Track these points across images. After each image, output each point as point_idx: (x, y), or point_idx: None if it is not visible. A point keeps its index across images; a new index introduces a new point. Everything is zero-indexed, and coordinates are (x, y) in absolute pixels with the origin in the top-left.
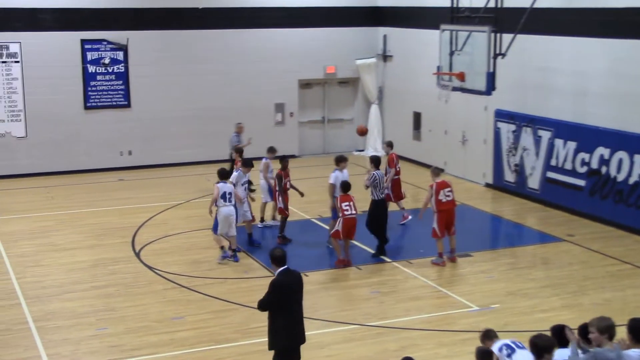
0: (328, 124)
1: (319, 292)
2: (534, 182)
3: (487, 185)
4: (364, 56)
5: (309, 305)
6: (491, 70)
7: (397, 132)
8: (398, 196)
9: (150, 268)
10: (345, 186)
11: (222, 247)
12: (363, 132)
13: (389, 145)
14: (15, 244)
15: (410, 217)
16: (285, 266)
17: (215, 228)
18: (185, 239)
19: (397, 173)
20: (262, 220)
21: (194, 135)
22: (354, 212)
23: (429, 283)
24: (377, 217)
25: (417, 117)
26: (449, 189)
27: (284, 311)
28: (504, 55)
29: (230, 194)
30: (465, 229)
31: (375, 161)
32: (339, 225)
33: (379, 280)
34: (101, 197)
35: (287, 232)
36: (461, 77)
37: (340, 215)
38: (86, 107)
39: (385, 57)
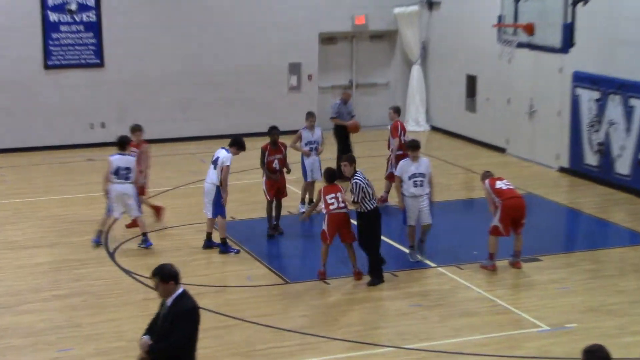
0: (357, 90)
1: (342, 304)
2: (623, 166)
3: (562, 169)
4: (403, 3)
5: (329, 320)
6: (569, 20)
7: (445, 100)
8: (392, 177)
9: (127, 272)
10: (330, 174)
11: (144, 234)
12: (355, 128)
13: (396, 111)
14: None
15: (388, 204)
16: (182, 289)
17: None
18: (173, 236)
19: (401, 146)
20: (303, 201)
21: (185, 104)
22: (342, 205)
23: (486, 295)
24: (371, 232)
25: (471, 81)
26: (505, 180)
27: (193, 349)
28: (586, 1)
29: (127, 169)
30: (532, 225)
31: (349, 161)
32: (324, 224)
33: (420, 290)
34: (66, 181)
35: (299, 227)
36: (529, 29)
37: (325, 210)
38: (47, 67)
39: (430, 4)
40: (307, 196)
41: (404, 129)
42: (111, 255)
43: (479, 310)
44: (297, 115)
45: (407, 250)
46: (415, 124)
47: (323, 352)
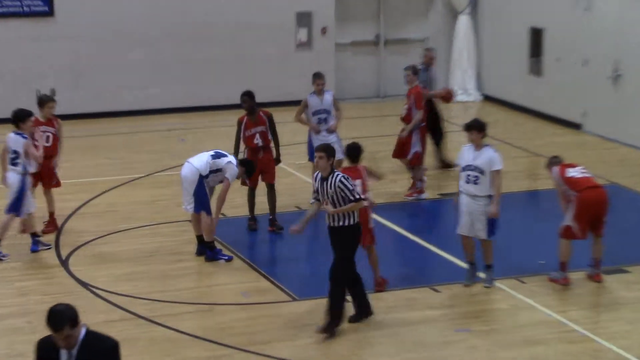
0: (386, 47)
1: (369, 327)
2: None
3: None
4: None
5: (350, 350)
6: None
7: (502, 62)
8: (418, 158)
9: (85, 286)
10: (353, 152)
11: (33, 235)
12: (448, 97)
13: (414, 71)
14: None
15: (425, 195)
16: (85, 327)
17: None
18: (146, 238)
19: (424, 119)
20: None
21: (161, 66)
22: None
23: (555, 317)
24: (353, 253)
25: (536, 36)
26: (580, 167)
27: None
28: None
29: (15, 153)
30: (616, 226)
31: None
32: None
33: (470, 310)
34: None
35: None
36: None
37: None
38: None
39: None
40: None
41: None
42: (64, 263)
43: (547, 338)
44: (306, 80)
45: (464, 265)
46: (462, 93)
47: None
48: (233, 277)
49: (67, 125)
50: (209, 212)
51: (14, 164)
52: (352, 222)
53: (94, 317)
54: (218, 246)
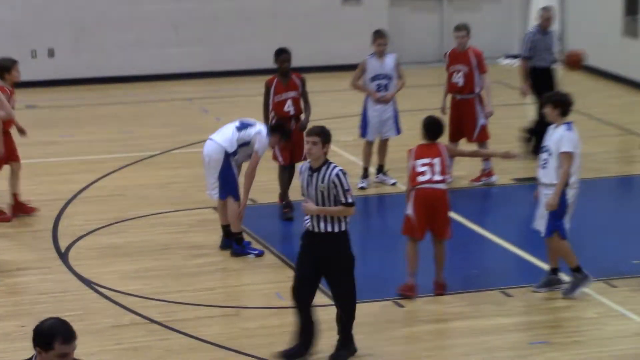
0: (450, 2)
1: (424, 336)
2: None
3: None
4: None
5: None
6: None
7: (590, 20)
8: (485, 132)
9: (88, 284)
10: (434, 127)
11: None
12: (577, 61)
13: (466, 30)
14: None
15: (495, 177)
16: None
17: None
18: (160, 228)
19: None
20: (366, 173)
21: (184, 22)
22: (439, 177)
23: None
24: (352, 269)
25: None
26: None
27: None
28: None
29: None
30: None
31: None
32: (409, 207)
33: (548, 318)
34: None
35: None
36: None
37: (409, 184)
38: None
39: None
40: (373, 164)
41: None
42: (62, 256)
43: None
44: (356, 40)
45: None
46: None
47: None
48: (264, 275)
49: (67, 92)
50: (237, 198)
51: None
52: (342, 229)
53: (100, 322)
54: (247, 239)
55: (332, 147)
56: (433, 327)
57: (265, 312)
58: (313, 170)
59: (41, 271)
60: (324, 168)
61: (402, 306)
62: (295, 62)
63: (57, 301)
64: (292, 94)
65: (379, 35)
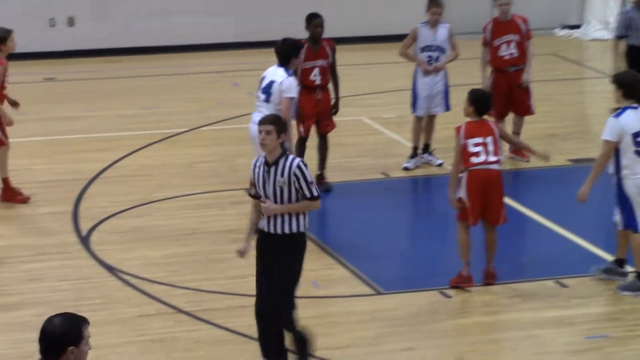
0: None
1: (471, 329)
2: None
3: None
4: None
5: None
6: None
7: None
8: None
9: (111, 270)
10: (482, 100)
11: None
12: None
13: None
14: None
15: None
16: None
17: None
18: (187, 211)
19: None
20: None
21: None
22: (493, 158)
23: None
24: (299, 275)
25: None
26: None
27: None
28: None
29: None
30: None
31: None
32: (462, 190)
33: (607, 311)
34: (11, 114)
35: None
36: None
37: (461, 165)
38: None
39: None
40: (420, 142)
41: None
42: (84, 240)
43: None
44: (401, 8)
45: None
46: (600, 27)
47: None
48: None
49: (88, 64)
50: None
51: None
52: (301, 229)
53: (123, 311)
54: None
55: (374, 124)
56: (481, 319)
57: (300, 302)
58: (269, 164)
59: (61, 257)
60: (281, 161)
61: (448, 296)
62: (333, 32)
63: (78, 289)
64: (320, 62)
65: (434, 3)
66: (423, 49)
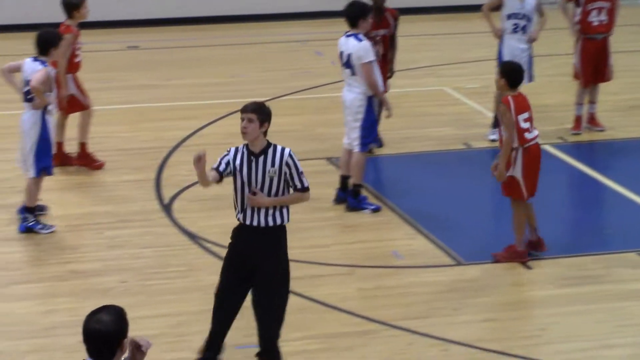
0: None
1: (549, 301)
2: None
3: None
4: None
5: (528, 331)
6: None
7: None
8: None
9: (193, 238)
10: (517, 75)
11: (32, 210)
12: None
13: None
14: None
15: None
16: None
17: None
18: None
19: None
20: (495, 122)
21: None
22: (536, 132)
23: None
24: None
25: None
26: None
27: None
28: None
29: (26, 83)
30: None
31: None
32: (515, 169)
33: None
34: (94, 82)
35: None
36: None
37: (517, 142)
38: None
39: None
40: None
41: None
42: (166, 207)
43: None
44: None
45: None
46: None
47: None
48: (380, 232)
49: (171, 32)
50: (364, 147)
51: (29, 100)
52: (285, 221)
53: (205, 279)
54: (363, 193)
55: (457, 94)
56: (562, 291)
57: (381, 272)
58: (256, 154)
59: (143, 224)
60: (270, 150)
61: (529, 268)
62: (413, 1)
63: (159, 256)
64: (382, 32)
65: None
66: (509, 17)
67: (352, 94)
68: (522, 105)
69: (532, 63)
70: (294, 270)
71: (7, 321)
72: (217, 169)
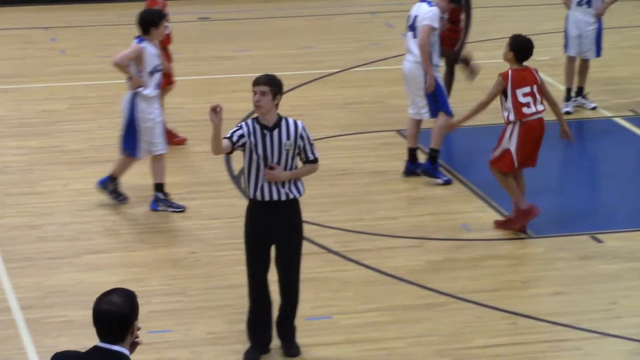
0: None
1: (625, 274)
2: None
3: None
4: None
5: (602, 305)
6: None
7: None
8: None
9: None
10: (525, 45)
11: (158, 187)
12: None
13: None
14: None
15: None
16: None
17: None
18: (338, 151)
19: None
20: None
21: None
22: (541, 107)
23: None
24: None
25: None
26: None
27: None
28: None
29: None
30: None
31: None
32: (510, 141)
33: None
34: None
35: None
36: None
37: (514, 116)
38: None
39: None
40: (574, 86)
41: None
42: (235, 179)
43: None
44: None
45: None
46: None
47: (587, 354)
48: (450, 205)
49: (242, 4)
50: (449, 112)
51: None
52: (302, 193)
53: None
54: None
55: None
56: (632, 265)
57: (450, 245)
58: (270, 128)
59: (213, 195)
60: (283, 124)
61: (600, 241)
62: None
63: (229, 227)
64: (453, 5)
65: None
66: None
67: (411, 63)
68: (523, 79)
69: (600, 37)
70: (364, 242)
71: (78, 291)
72: (229, 138)
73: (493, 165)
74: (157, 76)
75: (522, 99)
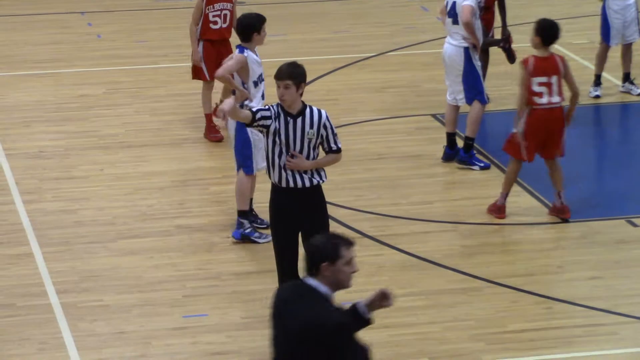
0: None
1: None
2: None
3: None
4: None
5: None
6: None
7: None
8: None
9: None
10: (550, 29)
11: (245, 214)
12: None
13: None
14: (27, 132)
15: None
16: None
17: (241, 155)
18: (374, 136)
19: None
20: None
21: None
22: (556, 99)
23: None
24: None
25: None
26: None
27: None
28: None
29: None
30: None
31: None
32: (519, 127)
33: None
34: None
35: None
36: None
37: (525, 101)
38: None
39: None
40: (603, 72)
41: None
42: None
43: None
44: None
45: None
46: None
47: (623, 339)
48: (487, 190)
49: None
50: (484, 101)
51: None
52: (324, 179)
53: None
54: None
55: (563, 50)
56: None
57: (486, 229)
58: (294, 115)
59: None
60: (307, 112)
61: (636, 225)
62: None
63: (264, 212)
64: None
65: None
66: None
67: (452, 47)
68: (542, 69)
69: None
70: (399, 226)
71: (114, 275)
72: (253, 112)
73: (504, 148)
74: (262, 86)
75: (535, 88)
